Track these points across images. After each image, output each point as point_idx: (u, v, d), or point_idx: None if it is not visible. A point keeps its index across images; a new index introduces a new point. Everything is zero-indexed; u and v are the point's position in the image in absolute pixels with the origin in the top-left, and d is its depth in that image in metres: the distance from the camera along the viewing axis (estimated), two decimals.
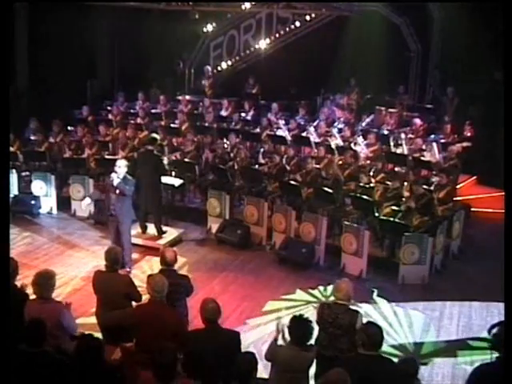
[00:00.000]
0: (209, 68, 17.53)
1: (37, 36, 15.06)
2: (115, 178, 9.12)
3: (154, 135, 11.31)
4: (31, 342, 4.84)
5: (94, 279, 6.67)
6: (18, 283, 6.10)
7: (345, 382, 4.57)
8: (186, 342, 5.36)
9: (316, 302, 8.59)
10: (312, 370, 5.76)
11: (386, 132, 13.78)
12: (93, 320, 6.77)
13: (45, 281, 5.74)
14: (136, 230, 10.67)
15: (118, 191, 9.14)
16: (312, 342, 5.73)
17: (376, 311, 8.74)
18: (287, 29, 17.91)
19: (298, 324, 5.45)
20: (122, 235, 9.34)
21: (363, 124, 14.35)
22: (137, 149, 12.50)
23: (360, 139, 12.95)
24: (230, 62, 18.43)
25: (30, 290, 6.05)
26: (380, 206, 10.38)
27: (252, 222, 10.93)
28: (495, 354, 5.10)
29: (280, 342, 5.61)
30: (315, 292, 9.21)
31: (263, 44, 17.84)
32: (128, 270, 9.15)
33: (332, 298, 6.20)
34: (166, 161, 11.70)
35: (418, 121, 13.80)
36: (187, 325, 6.32)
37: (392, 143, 13.06)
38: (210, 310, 5.45)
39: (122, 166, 9.17)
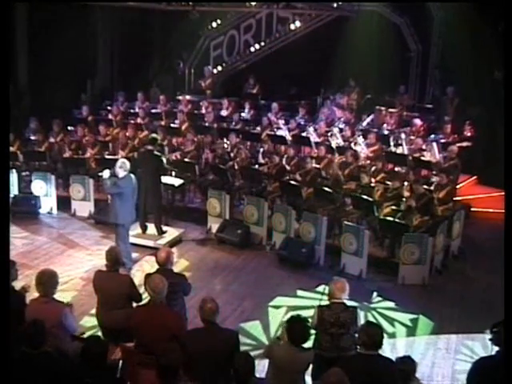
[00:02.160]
0: (208, 68, 17.52)
1: (37, 35, 15.05)
2: (104, 174, 9.16)
3: (155, 135, 11.31)
4: (31, 343, 4.84)
5: (95, 279, 6.67)
6: (18, 283, 6.11)
7: (343, 382, 4.57)
8: (184, 342, 5.36)
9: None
10: (310, 371, 5.76)
11: (386, 132, 13.78)
12: (93, 320, 6.77)
13: (47, 280, 5.75)
14: (136, 230, 10.69)
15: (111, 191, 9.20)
16: (309, 344, 5.75)
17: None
18: (287, 29, 17.91)
19: (296, 324, 5.45)
20: (117, 237, 9.31)
21: (363, 124, 14.36)
22: (137, 149, 12.51)
23: (360, 139, 12.96)
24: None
25: (30, 290, 6.08)
26: (380, 206, 10.38)
27: (252, 221, 10.94)
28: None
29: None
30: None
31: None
32: (128, 269, 9.18)
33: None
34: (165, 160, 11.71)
35: (418, 121, 13.79)
36: (185, 324, 6.31)
37: (392, 143, 13.06)
38: (208, 310, 5.45)
39: (119, 166, 9.12)
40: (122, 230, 9.30)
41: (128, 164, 9.24)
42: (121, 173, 9.12)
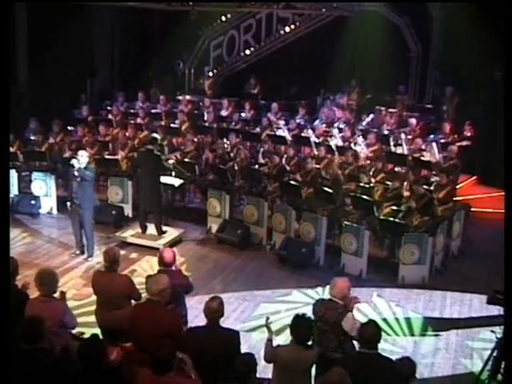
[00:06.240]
0: (209, 68, 17.53)
1: (37, 36, 15.05)
2: (76, 164, 9.56)
3: (155, 135, 11.32)
4: (27, 339, 4.84)
5: (93, 280, 6.68)
6: (19, 283, 6.11)
7: (344, 382, 4.57)
8: (184, 340, 5.35)
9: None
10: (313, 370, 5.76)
11: (386, 132, 13.77)
12: (92, 320, 6.77)
13: (46, 279, 5.75)
14: (136, 229, 10.69)
15: (79, 178, 9.54)
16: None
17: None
18: (287, 29, 17.92)
19: (300, 323, 5.45)
20: (85, 222, 9.74)
21: (363, 123, 14.36)
22: (137, 149, 12.50)
23: (360, 139, 12.95)
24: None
25: (30, 290, 6.08)
26: (380, 206, 10.38)
27: (252, 221, 10.93)
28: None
29: (274, 342, 5.62)
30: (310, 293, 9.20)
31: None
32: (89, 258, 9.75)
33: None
34: (170, 160, 11.76)
35: (413, 121, 13.75)
36: (186, 325, 6.31)
37: (392, 143, 13.06)
38: (211, 310, 5.46)
39: (83, 156, 9.69)
40: (90, 214, 9.84)
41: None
42: (84, 162, 9.72)
